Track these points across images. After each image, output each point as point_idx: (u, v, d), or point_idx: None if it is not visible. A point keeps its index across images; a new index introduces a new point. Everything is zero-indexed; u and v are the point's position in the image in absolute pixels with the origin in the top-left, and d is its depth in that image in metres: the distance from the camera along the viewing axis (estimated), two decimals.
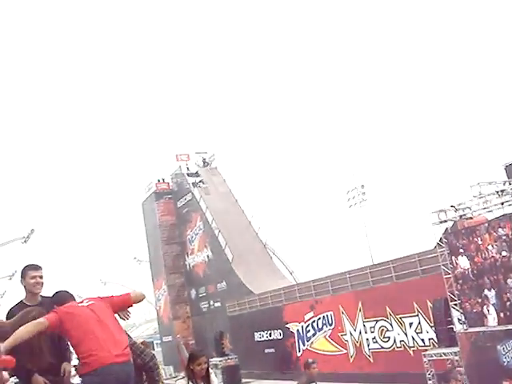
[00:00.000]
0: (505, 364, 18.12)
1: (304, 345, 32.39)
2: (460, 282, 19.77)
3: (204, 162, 50.45)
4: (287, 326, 33.71)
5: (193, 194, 47.60)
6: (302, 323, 32.36)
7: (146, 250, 56.17)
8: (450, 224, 20.75)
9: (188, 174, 49.39)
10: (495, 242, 18.42)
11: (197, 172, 49.40)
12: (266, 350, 35.50)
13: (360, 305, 28.02)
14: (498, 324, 18.49)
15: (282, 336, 34.21)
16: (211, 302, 45.72)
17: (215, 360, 33.08)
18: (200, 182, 48.11)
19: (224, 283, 43.31)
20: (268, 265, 43.11)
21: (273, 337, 35.14)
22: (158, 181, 52.39)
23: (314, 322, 31.55)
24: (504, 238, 18.14)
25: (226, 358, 34.08)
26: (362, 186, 33.35)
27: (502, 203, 18.68)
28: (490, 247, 18.60)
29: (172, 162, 50.61)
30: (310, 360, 10.53)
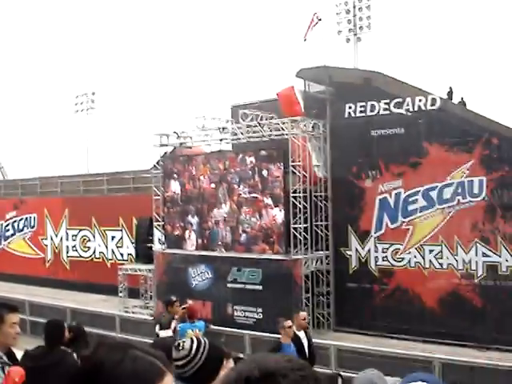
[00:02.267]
0: (192, 286, 19.56)
1: (1, 244, 31.03)
2: (168, 205, 20.61)
3: None
4: None
5: None
6: (2, 221, 30.87)
7: None
8: (170, 149, 21.36)
9: None
10: (208, 173, 19.52)
11: None
12: None
13: (66, 212, 27.61)
14: (196, 249, 19.83)
15: None
16: None
17: None
18: None
19: None
20: None
21: None
22: None
23: (15, 221, 30.31)
24: (217, 172, 19.30)
25: None
26: (93, 93, 32.26)
27: (221, 139, 19.80)
28: (202, 178, 19.65)
29: None
30: (174, 298, 10.18)
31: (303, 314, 9.04)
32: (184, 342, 2.88)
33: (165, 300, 10.65)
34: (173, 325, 9.96)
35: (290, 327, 8.15)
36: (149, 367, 1.25)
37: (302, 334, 8.62)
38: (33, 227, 29.44)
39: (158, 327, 10.16)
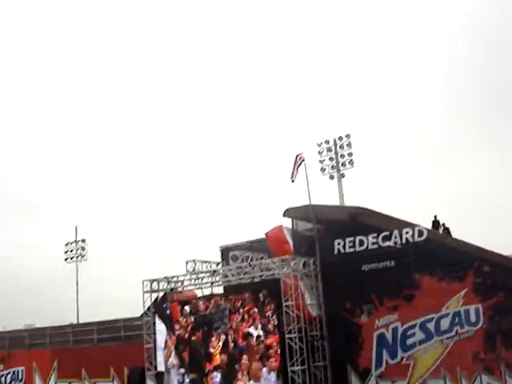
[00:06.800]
0: None
1: None
2: (160, 353, 20.01)
3: None
4: None
5: None
6: None
7: None
8: (161, 294, 21.09)
9: None
10: (196, 318, 19.15)
11: None
12: None
13: (56, 364, 26.69)
14: None
15: None
16: None
17: None
18: None
19: None
20: None
21: None
22: None
23: (2, 376, 29.18)
24: (207, 315, 18.91)
25: None
26: (84, 240, 32.32)
27: (212, 283, 19.66)
28: (191, 322, 19.25)
29: None
30: None
31: None
32: None
33: None
34: None
35: None
36: None
37: None
38: (21, 381, 28.31)
39: None
